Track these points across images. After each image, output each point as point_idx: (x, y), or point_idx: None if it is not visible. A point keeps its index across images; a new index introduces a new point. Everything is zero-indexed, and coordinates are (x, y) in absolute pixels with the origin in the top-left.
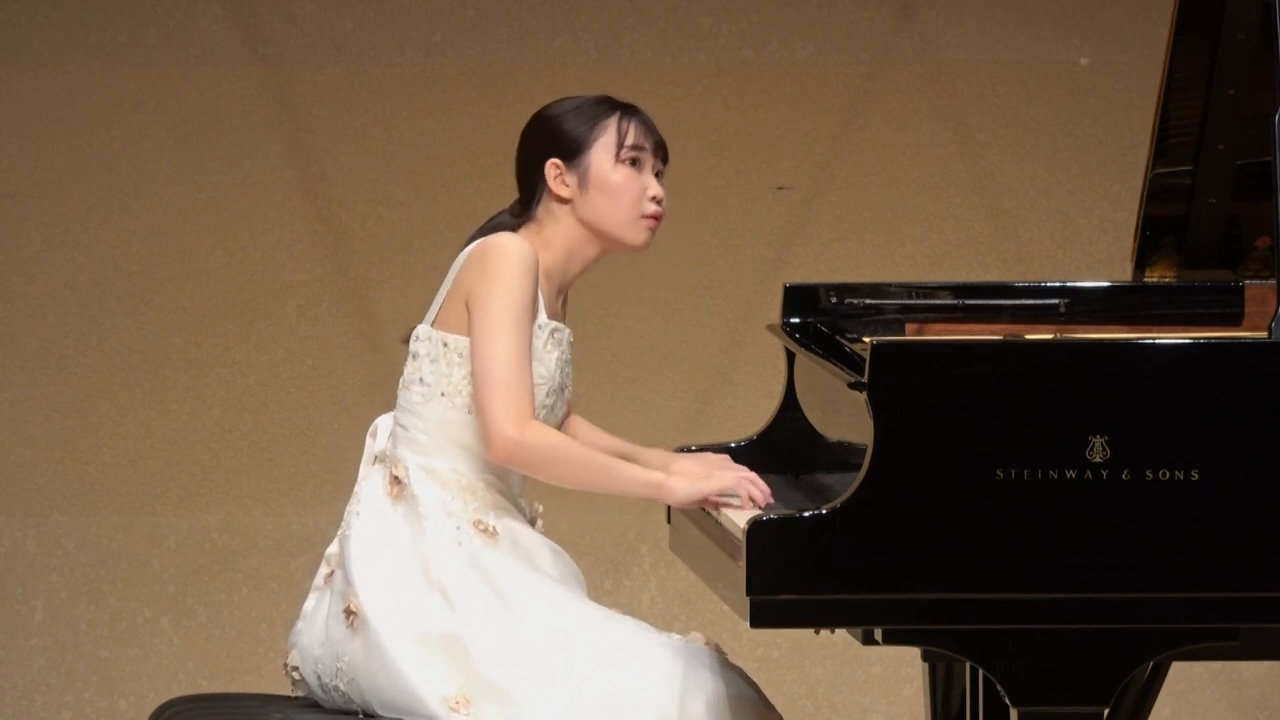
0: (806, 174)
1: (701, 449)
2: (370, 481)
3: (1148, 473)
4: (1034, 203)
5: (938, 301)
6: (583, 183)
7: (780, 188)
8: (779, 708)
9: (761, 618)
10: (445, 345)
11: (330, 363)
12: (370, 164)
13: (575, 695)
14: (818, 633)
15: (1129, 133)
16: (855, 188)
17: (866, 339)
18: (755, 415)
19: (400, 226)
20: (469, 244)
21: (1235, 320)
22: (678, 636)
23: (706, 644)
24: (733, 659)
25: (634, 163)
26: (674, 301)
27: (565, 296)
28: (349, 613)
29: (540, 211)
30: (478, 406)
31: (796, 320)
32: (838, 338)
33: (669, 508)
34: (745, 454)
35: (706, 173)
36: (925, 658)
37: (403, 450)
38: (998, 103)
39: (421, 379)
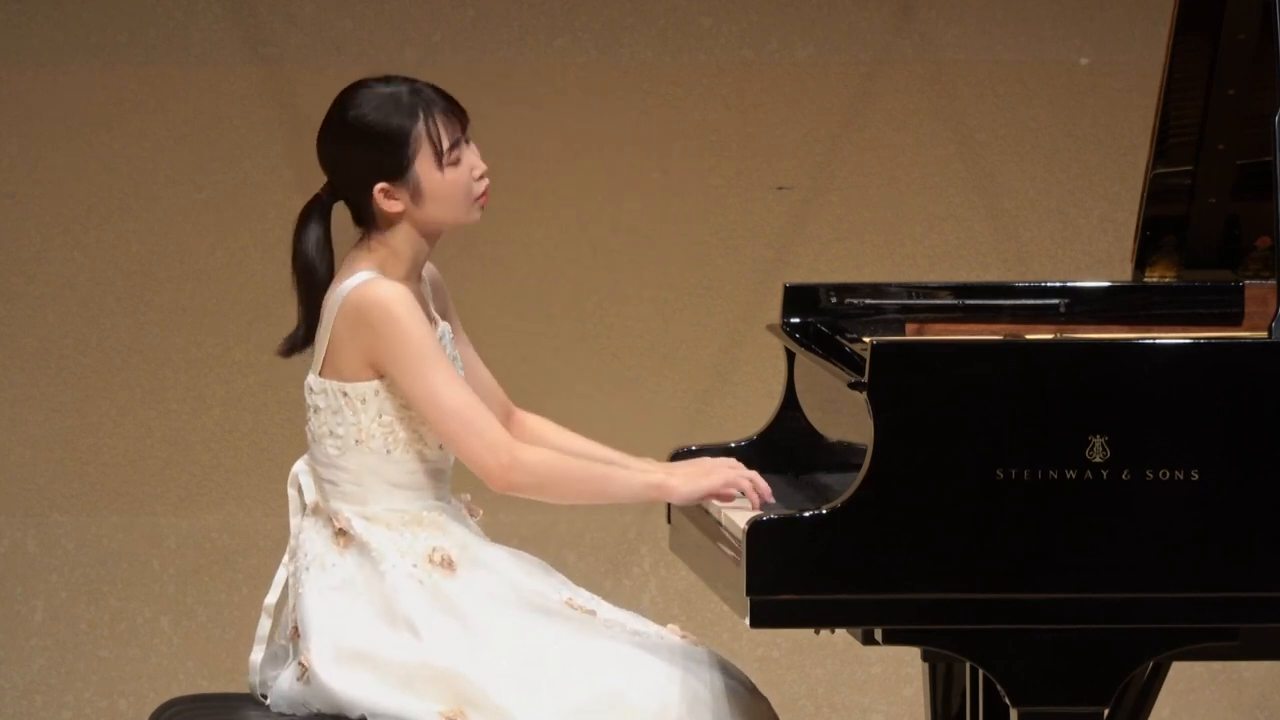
0: (806, 174)
1: (701, 449)
2: (311, 535)
3: (1148, 473)
4: (1034, 203)
5: (938, 301)
6: (414, 196)
7: (780, 188)
8: (778, 708)
9: (761, 618)
10: (345, 395)
11: None
12: None
13: (564, 701)
14: (818, 633)
15: (1129, 133)
16: (855, 188)
17: (866, 339)
18: (755, 415)
19: None
20: (304, 265)
21: (1235, 320)
22: (655, 627)
23: (684, 637)
24: (733, 659)
25: (455, 161)
26: (674, 301)
27: (436, 284)
28: (301, 666)
29: (380, 222)
30: (461, 458)
31: (796, 320)
32: (838, 338)
33: (669, 508)
34: (745, 454)
35: (706, 173)
36: (925, 658)
37: (336, 504)
38: (998, 103)
39: (332, 432)
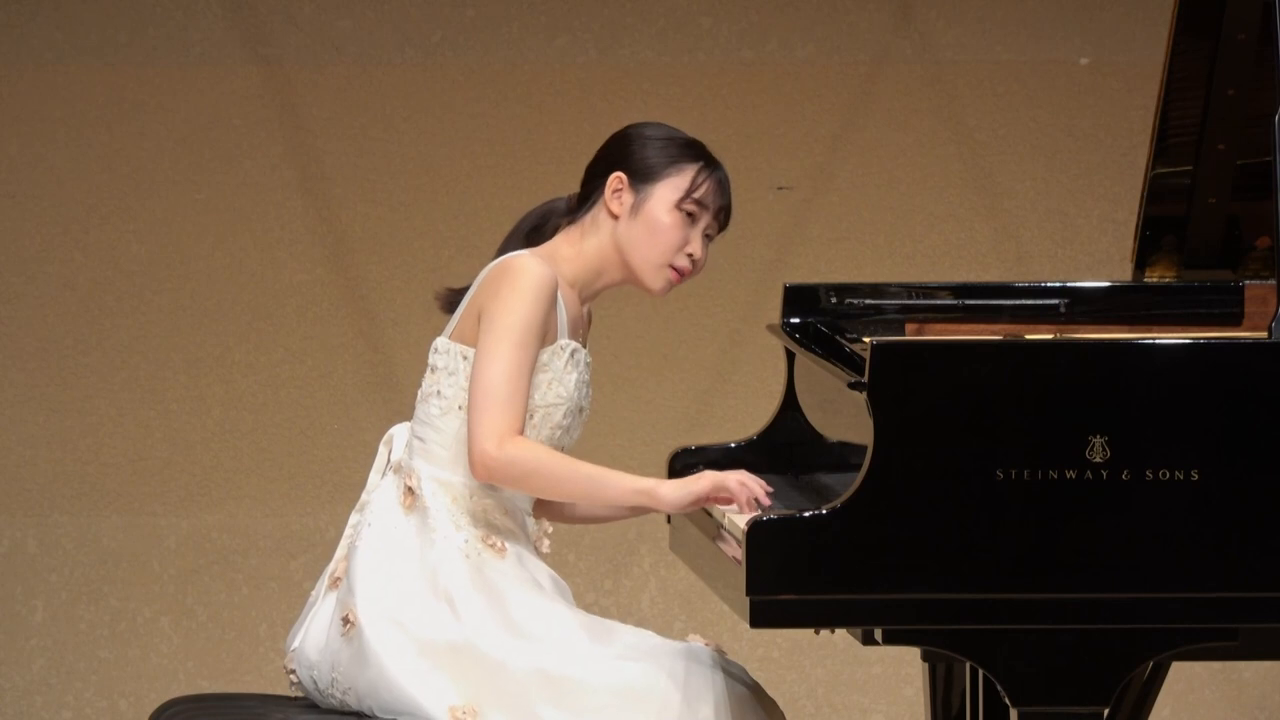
0: (806, 174)
1: (701, 449)
2: (382, 492)
3: (1148, 473)
4: (1034, 203)
5: (938, 301)
6: (635, 208)
7: (780, 188)
8: (779, 708)
9: (761, 618)
10: (464, 359)
11: (330, 363)
12: (370, 164)
13: (583, 700)
14: (818, 633)
15: (1129, 133)
16: (855, 188)
17: (866, 339)
18: (755, 415)
19: (400, 226)
20: (516, 227)
21: (1235, 320)
22: (677, 641)
23: (706, 644)
24: (733, 659)
25: (690, 215)
26: (674, 301)
27: (590, 318)
28: (346, 621)
29: (588, 218)
30: (469, 428)
31: (796, 320)
32: (838, 338)
33: None
34: (745, 454)
35: None
36: (925, 658)
37: (418, 461)
38: (998, 103)
39: (439, 392)
